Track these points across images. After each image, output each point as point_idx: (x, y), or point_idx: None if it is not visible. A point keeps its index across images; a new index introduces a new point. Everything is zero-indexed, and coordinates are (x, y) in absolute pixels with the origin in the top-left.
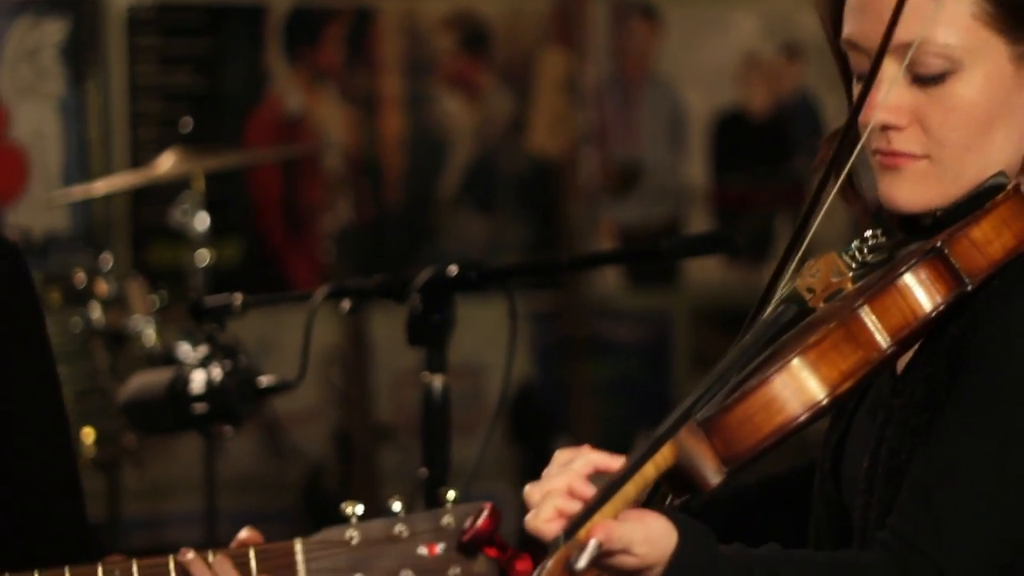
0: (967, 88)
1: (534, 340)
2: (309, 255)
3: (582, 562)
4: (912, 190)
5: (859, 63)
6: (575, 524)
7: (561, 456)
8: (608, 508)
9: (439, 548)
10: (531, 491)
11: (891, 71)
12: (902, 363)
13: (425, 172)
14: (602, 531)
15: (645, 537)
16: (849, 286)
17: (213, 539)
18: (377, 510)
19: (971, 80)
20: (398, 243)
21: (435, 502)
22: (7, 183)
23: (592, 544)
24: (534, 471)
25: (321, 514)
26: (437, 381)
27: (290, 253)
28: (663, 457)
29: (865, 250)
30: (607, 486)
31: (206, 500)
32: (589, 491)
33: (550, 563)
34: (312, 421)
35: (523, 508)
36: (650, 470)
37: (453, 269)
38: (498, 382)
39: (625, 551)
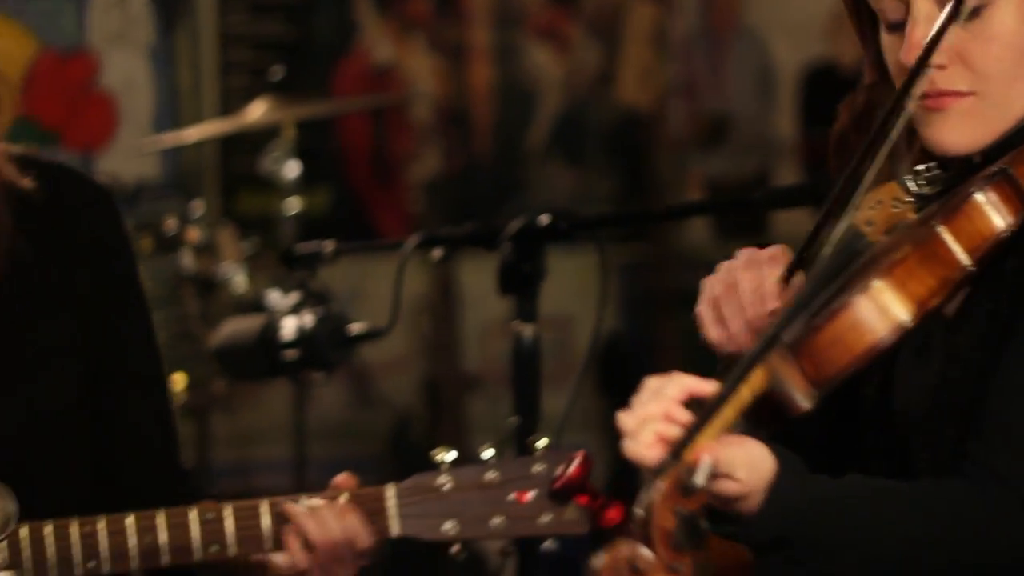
0: (1004, 17)
1: (621, 292)
2: (397, 205)
3: (699, 478)
4: (960, 130)
5: (892, 9)
6: (680, 446)
7: (653, 382)
8: (709, 431)
9: (530, 495)
10: (626, 418)
11: (926, 9)
12: (951, 307)
13: (513, 123)
14: (709, 452)
15: (747, 461)
16: (911, 215)
17: (301, 486)
18: (466, 460)
19: (1007, 9)
20: (486, 194)
21: (525, 451)
22: (98, 130)
23: (706, 462)
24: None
25: (408, 463)
26: (527, 330)
27: (378, 202)
28: (757, 380)
29: (922, 182)
30: (707, 409)
31: (295, 447)
32: (685, 416)
33: (662, 485)
34: (400, 370)
35: (611, 459)
36: (746, 393)
37: (544, 218)
38: (585, 334)
39: (728, 475)
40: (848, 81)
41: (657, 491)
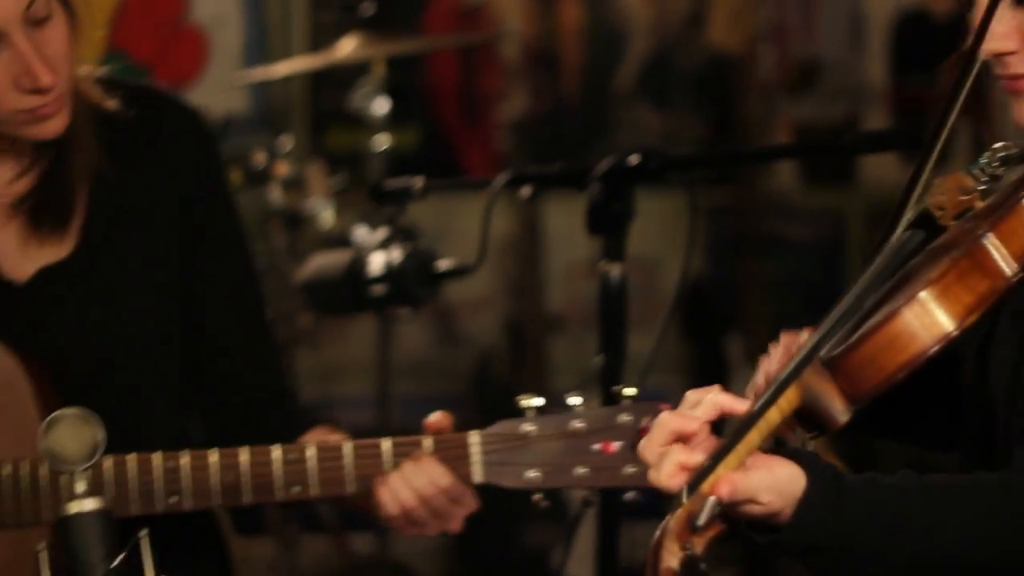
0: None
1: (707, 236)
2: (484, 144)
3: (701, 519)
4: None
5: None
6: (698, 478)
7: (689, 398)
8: (732, 459)
9: (615, 446)
10: (647, 446)
11: None
12: None
13: (602, 64)
14: (726, 485)
15: (771, 485)
16: (978, 204)
17: (384, 423)
18: (549, 400)
19: None
20: (572, 135)
21: (611, 397)
22: (187, 65)
23: (711, 502)
24: (703, 367)
25: (490, 402)
26: (615, 270)
27: (465, 141)
28: (788, 401)
29: (996, 163)
30: (730, 437)
31: (378, 384)
32: (709, 441)
33: (672, 521)
34: (484, 309)
35: None
36: (775, 415)
37: (634, 158)
38: (669, 277)
39: (752, 500)
40: (939, 28)
41: (667, 527)
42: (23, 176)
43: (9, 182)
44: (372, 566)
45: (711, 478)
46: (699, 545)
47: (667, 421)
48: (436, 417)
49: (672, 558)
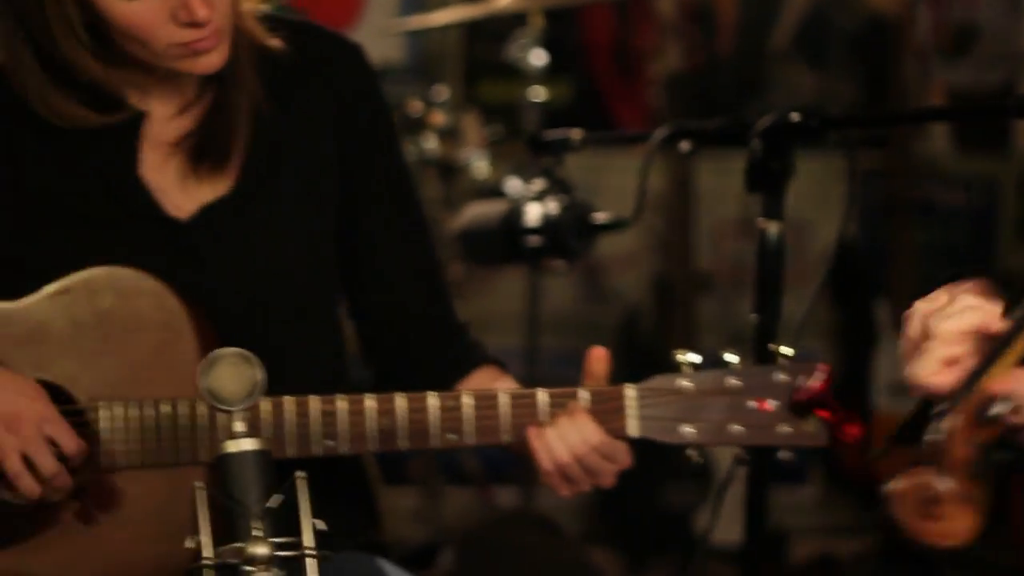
0: None
1: (859, 200)
2: (636, 99)
3: (998, 409)
4: None
5: None
6: (975, 377)
7: (958, 302)
8: (1006, 360)
9: (770, 404)
10: (908, 340)
11: None
12: None
13: (758, 22)
14: (1003, 385)
15: None
16: None
17: (532, 376)
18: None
19: None
20: (726, 92)
21: (763, 350)
22: (344, 11)
23: (1004, 393)
24: (851, 331)
25: (637, 359)
26: (773, 228)
27: (618, 95)
28: None
29: None
30: (1000, 341)
31: (526, 337)
32: (969, 345)
33: (959, 416)
34: (632, 265)
35: (839, 369)
36: None
37: (795, 116)
38: (820, 238)
39: (1020, 407)
40: None
41: (954, 421)
42: (185, 113)
43: (171, 118)
44: (515, 519)
45: (987, 378)
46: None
47: (971, 312)
48: (597, 352)
49: (964, 451)
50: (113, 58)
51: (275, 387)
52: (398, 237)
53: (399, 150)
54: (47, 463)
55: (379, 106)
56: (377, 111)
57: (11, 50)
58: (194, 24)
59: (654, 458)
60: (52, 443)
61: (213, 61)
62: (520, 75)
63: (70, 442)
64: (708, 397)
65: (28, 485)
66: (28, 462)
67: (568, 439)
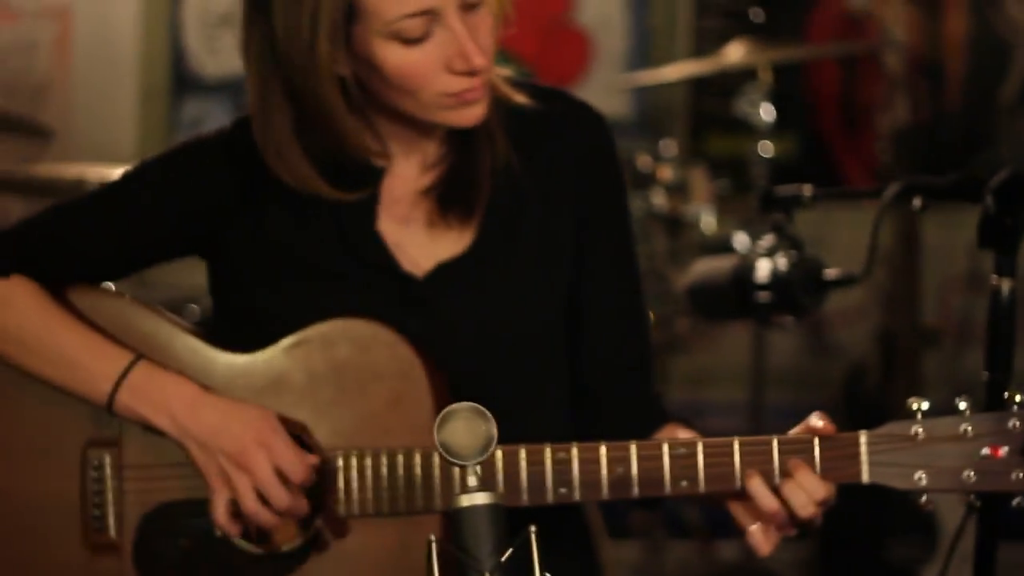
0: None
1: None
2: (863, 153)
3: None
4: None
5: None
6: None
7: None
8: None
9: (1003, 451)
10: None
11: None
12: None
13: (986, 76)
14: None
15: None
16: None
17: (756, 430)
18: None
19: None
20: (953, 147)
21: (996, 405)
22: (571, 66)
23: None
24: None
25: (861, 413)
26: (1006, 285)
27: (845, 150)
28: None
29: None
30: None
31: (749, 391)
32: None
33: None
34: (857, 320)
35: None
36: None
37: None
38: None
39: None
40: None
41: None
42: (424, 172)
43: (410, 176)
44: (738, 573)
45: None
46: None
47: None
48: (817, 420)
49: None
50: (366, 111)
51: (509, 439)
52: (615, 304)
53: (628, 221)
54: (279, 496)
55: (617, 176)
56: (614, 180)
57: (263, 96)
58: (468, 72)
59: (879, 511)
60: (280, 473)
61: (477, 113)
62: (748, 129)
63: (295, 469)
64: (941, 443)
65: (268, 522)
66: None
67: (802, 490)
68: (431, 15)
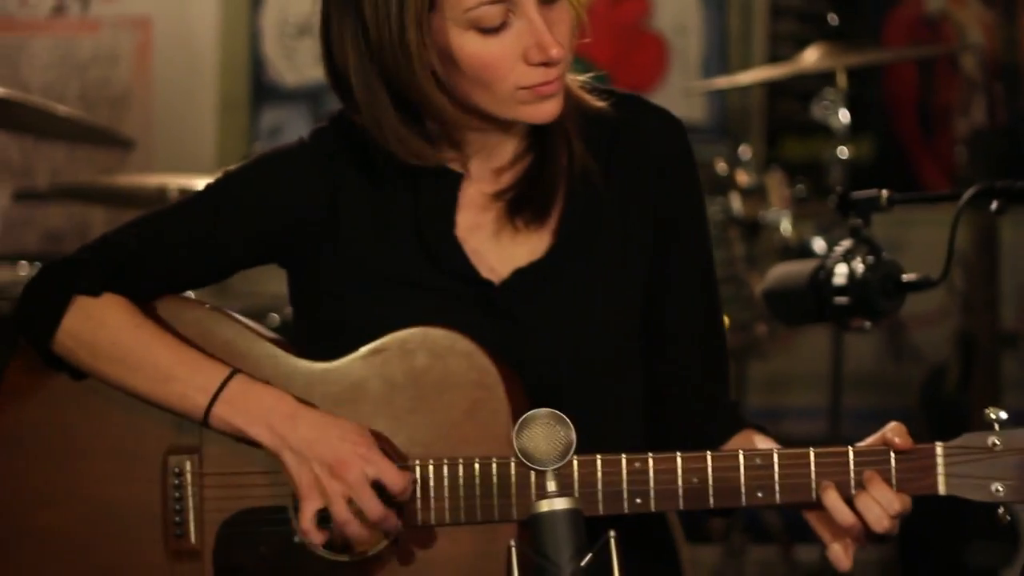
0: None
1: None
2: (940, 157)
3: None
4: None
5: None
6: None
7: None
8: None
9: None
10: None
11: None
12: None
13: None
14: None
15: None
16: None
17: (835, 435)
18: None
19: None
20: None
21: None
22: (647, 72)
23: None
24: None
25: (940, 417)
26: None
27: (921, 153)
28: None
29: None
30: None
31: (828, 395)
32: None
33: None
34: (934, 324)
35: None
36: None
37: None
38: None
39: None
40: None
41: None
42: (508, 170)
43: (487, 180)
44: None
45: None
46: None
47: None
48: (895, 431)
49: None
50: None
51: (585, 447)
52: (691, 310)
53: (707, 227)
54: (373, 506)
55: (695, 182)
56: (692, 186)
57: (367, 88)
58: (545, 64)
59: (960, 517)
60: (376, 484)
61: (552, 108)
62: (824, 133)
63: (395, 480)
64: (1019, 455)
65: (356, 532)
66: (354, 507)
67: (876, 503)
68: (509, 4)
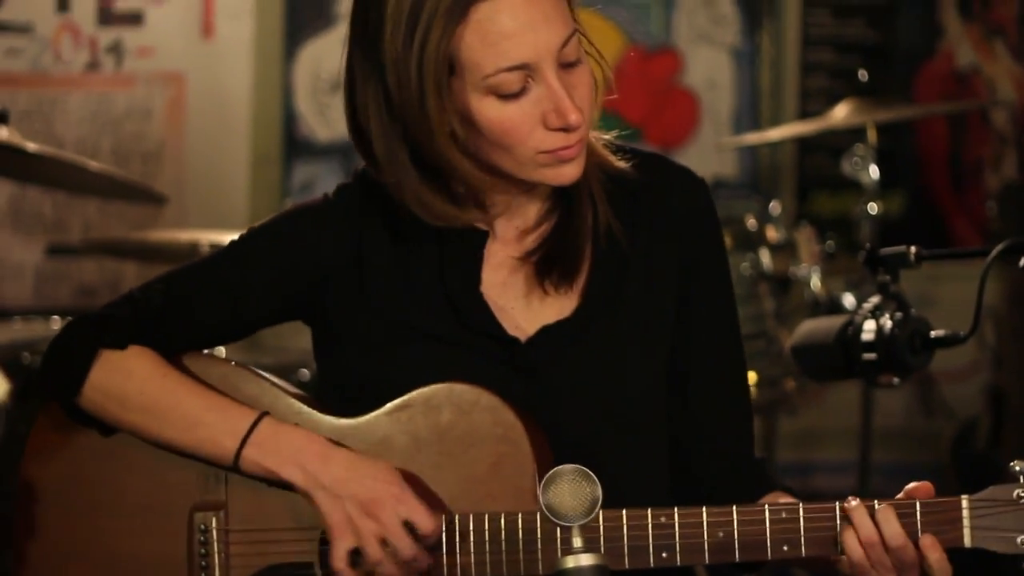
0: None
1: None
2: (971, 212)
3: None
4: None
5: None
6: None
7: None
8: None
9: None
10: None
11: None
12: None
13: None
14: None
15: None
16: None
17: (864, 489)
18: None
19: None
20: None
21: None
22: (679, 127)
23: None
24: None
25: (971, 472)
26: None
27: (953, 208)
28: None
29: None
30: None
31: (857, 451)
32: None
33: None
34: (965, 379)
35: None
36: None
37: None
38: None
39: None
40: None
41: None
42: (534, 231)
43: (512, 239)
44: None
45: None
46: None
47: None
48: (918, 485)
49: None
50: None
51: (611, 502)
52: (715, 369)
53: (729, 287)
54: (406, 546)
55: (718, 241)
56: (715, 248)
57: (389, 150)
58: (564, 129)
59: (991, 570)
60: (408, 526)
61: (573, 172)
62: (855, 189)
63: (426, 521)
64: None
65: (388, 570)
66: (386, 547)
67: (884, 531)
68: (528, 70)
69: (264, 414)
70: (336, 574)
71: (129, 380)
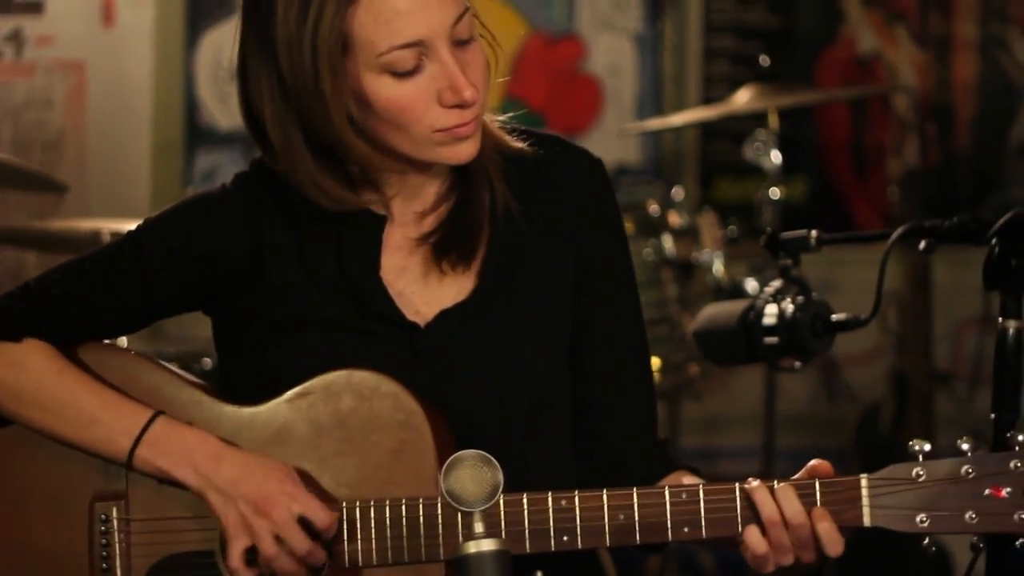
0: None
1: None
2: (873, 197)
3: None
4: None
5: None
6: None
7: None
8: None
9: (1005, 492)
10: None
11: None
12: None
13: (996, 119)
14: None
15: None
16: None
17: (768, 474)
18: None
19: None
20: (963, 190)
21: (1001, 447)
22: (582, 113)
23: None
24: None
25: (874, 455)
26: (1012, 326)
27: (855, 194)
28: None
29: None
30: None
31: (762, 435)
32: None
33: None
34: (869, 363)
35: None
36: None
37: None
38: None
39: None
40: None
41: None
42: (431, 212)
43: (409, 223)
44: None
45: None
46: None
47: None
48: (818, 463)
49: None
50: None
51: (513, 486)
52: (618, 347)
53: (630, 264)
54: (300, 541)
55: (615, 219)
56: (613, 223)
57: (284, 135)
58: (459, 106)
59: (892, 548)
60: (303, 521)
61: (469, 149)
62: (757, 174)
63: (321, 516)
64: (943, 485)
65: (284, 566)
66: (281, 543)
67: (784, 510)
68: (422, 47)
69: (159, 413)
70: (233, 572)
71: (24, 374)
